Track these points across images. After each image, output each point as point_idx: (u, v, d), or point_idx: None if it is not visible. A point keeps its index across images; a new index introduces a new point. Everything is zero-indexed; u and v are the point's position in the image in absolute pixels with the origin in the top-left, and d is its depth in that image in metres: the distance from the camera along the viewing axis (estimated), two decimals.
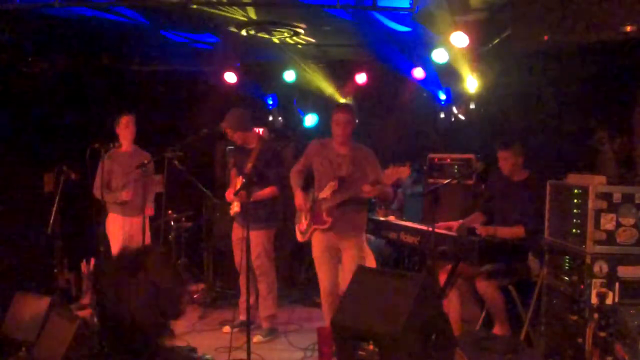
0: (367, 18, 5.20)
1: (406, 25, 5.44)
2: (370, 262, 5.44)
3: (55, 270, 5.90)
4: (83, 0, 4.81)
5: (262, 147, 5.19)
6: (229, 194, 5.25)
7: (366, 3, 4.68)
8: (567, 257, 3.84)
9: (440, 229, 4.83)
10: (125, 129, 5.54)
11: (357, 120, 4.80)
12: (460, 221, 5.02)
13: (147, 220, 5.44)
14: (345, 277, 4.68)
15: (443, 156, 6.05)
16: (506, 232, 4.67)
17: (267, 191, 5.12)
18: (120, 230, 5.52)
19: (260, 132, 5.50)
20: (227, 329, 5.29)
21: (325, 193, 4.68)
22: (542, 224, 4.28)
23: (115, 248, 5.49)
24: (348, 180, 4.60)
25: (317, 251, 4.81)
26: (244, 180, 4.90)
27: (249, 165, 5.10)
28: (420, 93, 7.23)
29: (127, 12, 5.18)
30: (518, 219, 4.67)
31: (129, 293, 1.73)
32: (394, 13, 4.96)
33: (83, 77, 6.61)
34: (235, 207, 5.23)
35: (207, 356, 4.56)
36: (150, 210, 5.66)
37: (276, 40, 6.07)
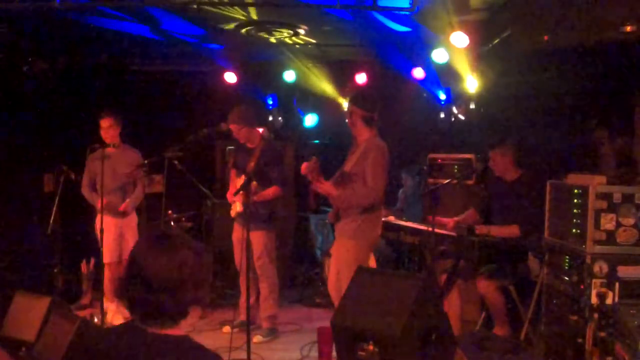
0: (368, 18, 5.19)
1: (406, 26, 5.44)
2: (371, 262, 5.42)
3: (55, 270, 5.90)
4: (83, 0, 4.81)
5: (264, 146, 5.17)
6: (230, 195, 5.24)
7: (366, 3, 4.68)
8: (567, 257, 3.84)
9: (436, 225, 4.83)
10: (106, 131, 5.45)
11: (351, 110, 4.45)
12: (455, 219, 5.02)
13: (136, 219, 5.48)
14: (330, 279, 4.63)
15: (443, 156, 6.05)
16: (500, 231, 4.68)
17: (270, 191, 5.11)
18: (112, 231, 5.51)
19: (261, 132, 5.48)
20: (227, 329, 5.29)
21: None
22: (538, 223, 4.28)
23: (107, 249, 5.46)
24: (347, 177, 4.46)
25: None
26: (245, 179, 4.88)
27: (251, 164, 5.07)
28: (420, 93, 7.23)
29: (127, 12, 5.18)
30: (513, 218, 4.68)
31: (167, 265, 1.89)
32: (394, 13, 4.94)
33: (83, 77, 6.61)
34: (237, 208, 5.21)
35: None
36: (125, 207, 5.56)
37: (274, 40, 6.07)
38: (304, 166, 4.28)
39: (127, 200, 5.56)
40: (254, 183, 4.83)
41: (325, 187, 4.34)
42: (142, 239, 2.02)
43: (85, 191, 5.59)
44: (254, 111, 5.29)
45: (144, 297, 1.89)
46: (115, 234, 5.53)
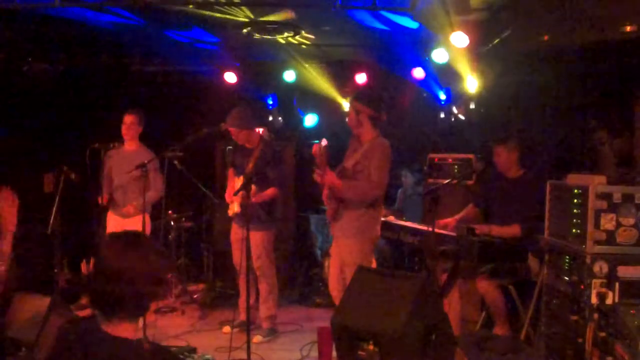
0: (376, 15, 5.15)
1: (415, 21, 5.40)
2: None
3: (55, 270, 5.90)
4: (83, 0, 4.81)
5: (263, 147, 5.16)
6: (229, 195, 5.24)
7: (366, 3, 4.67)
8: (567, 257, 3.83)
9: (438, 226, 4.83)
10: (127, 128, 5.51)
11: (360, 109, 4.44)
12: (456, 217, 5.02)
13: (147, 218, 5.42)
14: (331, 279, 4.62)
15: (443, 156, 6.05)
16: (501, 230, 4.67)
17: (268, 192, 5.11)
18: (116, 230, 5.53)
19: (261, 132, 5.48)
20: (227, 329, 5.29)
21: None
22: (538, 223, 4.28)
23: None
24: (349, 173, 4.45)
25: (332, 246, 4.72)
26: (244, 180, 4.87)
27: (250, 165, 5.06)
28: (420, 93, 7.23)
29: (127, 12, 5.18)
30: (514, 217, 4.67)
31: (129, 259, 1.98)
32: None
33: (83, 77, 6.61)
34: (234, 208, 5.21)
35: (207, 356, 4.56)
36: (129, 209, 5.47)
37: (281, 41, 6.07)
38: (315, 147, 4.26)
39: (129, 205, 5.46)
40: (253, 186, 4.82)
41: (330, 176, 4.33)
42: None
43: (106, 200, 5.54)
44: (250, 113, 5.28)
45: (105, 289, 1.96)
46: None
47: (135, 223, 5.51)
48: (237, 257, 5.16)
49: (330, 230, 4.75)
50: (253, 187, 4.77)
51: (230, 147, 5.58)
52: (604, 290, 3.51)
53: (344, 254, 4.48)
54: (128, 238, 2.06)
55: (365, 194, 4.35)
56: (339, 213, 4.49)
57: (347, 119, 4.60)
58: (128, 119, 5.53)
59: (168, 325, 5.49)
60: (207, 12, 5.12)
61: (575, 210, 3.74)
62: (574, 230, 3.75)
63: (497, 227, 4.71)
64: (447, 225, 4.92)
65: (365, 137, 4.50)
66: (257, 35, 5.76)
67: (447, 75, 6.64)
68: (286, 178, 5.02)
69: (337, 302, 4.34)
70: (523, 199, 4.67)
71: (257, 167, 4.88)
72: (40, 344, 4.17)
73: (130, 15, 5.28)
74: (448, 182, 5.08)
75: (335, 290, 4.58)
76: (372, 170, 4.33)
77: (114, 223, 5.54)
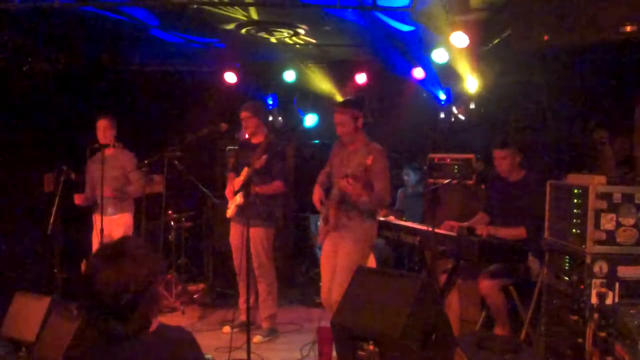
0: (371, 18, 5.19)
1: (410, 24, 5.43)
2: (370, 262, 5.42)
3: (55, 270, 5.90)
4: (83, 0, 4.81)
5: (269, 141, 5.17)
6: (229, 192, 5.21)
7: (366, 3, 4.68)
8: (567, 257, 3.84)
9: (445, 228, 4.82)
10: (103, 132, 5.48)
11: (357, 115, 4.55)
12: (467, 223, 5.00)
13: (129, 219, 5.43)
14: (333, 286, 4.59)
15: (443, 156, 6.05)
16: (507, 232, 4.66)
17: (274, 186, 5.09)
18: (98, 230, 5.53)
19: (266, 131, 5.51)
20: (227, 329, 5.29)
21: (334, 191, 4.60)
22: (542, 224, 4.28)
23: (95, 247, 5.50)
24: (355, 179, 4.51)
25: (323, 252, 4.73)
26: (250, 171, 4.86)
27: (255, 157, 5.00)
28: (420, 93, 7.24)
29: (127, 11, 5.18)
30: (519, 219, 4.66)
31: (116, 271, 1.89)
32: (397, 12, 4.94)
33: (83, 77, 6.61)
34: (237, 200, 5.15)
35: (207, 356, 4.56)
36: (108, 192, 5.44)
37: (288, 41, 6.07)
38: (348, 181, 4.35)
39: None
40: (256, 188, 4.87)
41: (359, 190, 4.35)
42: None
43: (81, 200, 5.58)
44: (265, 108, 5.36)
45: (107, 310, 1.89)
46: (105, 232, 5.52)
47: (121, 219, 5.53)
48: (237, 259, 5.16)
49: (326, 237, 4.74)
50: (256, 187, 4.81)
51: (231, 147, 5.58)
52: (604, 290, 3.52)
53: (342, 253, 4.49)
54: (113, 259, 1.92)
55: (380, 203, 4.52)
56: (340, 221, 4.53)
57: (340, 129, 4.60)
58: (102, 123, 5.49)
59: None
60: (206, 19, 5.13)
61: (575, 210, 3.74)
62: (574, 230, 3.75)
63: (503, 229, 4.70)
64: (454, 227, 4.90)
65: (359, 141, 4.58)
66: (253, 33, 5.76)
67: (447, 75, 6.65)
68: (289, 175, 5.03)
69: (329, 309, 4.40)
70: (527, 201, 4.65)
71: (264, 155, 4.87)
72: (40, 344, 4.17)
73: (130, 15, 5.28)
74: (448, 182, 5.07)
75: (335, 294, 4.58)
76: (378, 180, 4.39)
77: (98, 223, 5.52)
